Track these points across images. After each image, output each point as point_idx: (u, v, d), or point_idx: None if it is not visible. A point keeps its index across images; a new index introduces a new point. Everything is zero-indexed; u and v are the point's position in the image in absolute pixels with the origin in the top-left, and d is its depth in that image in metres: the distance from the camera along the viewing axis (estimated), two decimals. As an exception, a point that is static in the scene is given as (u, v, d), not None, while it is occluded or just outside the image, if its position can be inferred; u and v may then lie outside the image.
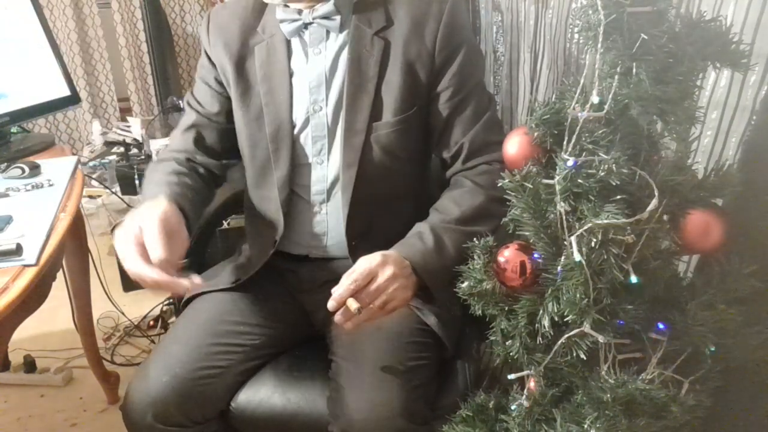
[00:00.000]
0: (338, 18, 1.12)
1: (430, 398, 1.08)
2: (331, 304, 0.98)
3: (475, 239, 0.95)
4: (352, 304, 0.96)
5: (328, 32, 1.14)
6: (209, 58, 1.23)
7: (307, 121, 1.15)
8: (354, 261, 1.03)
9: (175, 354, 1.10)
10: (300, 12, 1.13)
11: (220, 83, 1.22)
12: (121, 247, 0.97)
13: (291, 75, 1.15)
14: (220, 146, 1.25)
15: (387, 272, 1.00)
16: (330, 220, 1.19)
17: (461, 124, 1.14)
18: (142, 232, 0.97)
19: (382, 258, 1.01)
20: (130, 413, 1.09)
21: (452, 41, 1.12)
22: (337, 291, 0.98)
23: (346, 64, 1.12)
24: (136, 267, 0.95)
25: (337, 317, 0.98)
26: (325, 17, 1.12)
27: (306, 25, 1.14)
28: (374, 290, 0.99)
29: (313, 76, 1.14)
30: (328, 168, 1.16)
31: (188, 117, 1.26)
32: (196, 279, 0.96)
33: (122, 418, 1.11)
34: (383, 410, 0.99)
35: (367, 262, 1.00)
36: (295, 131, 1.16)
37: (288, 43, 1.16)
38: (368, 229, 1.18)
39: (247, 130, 1.19)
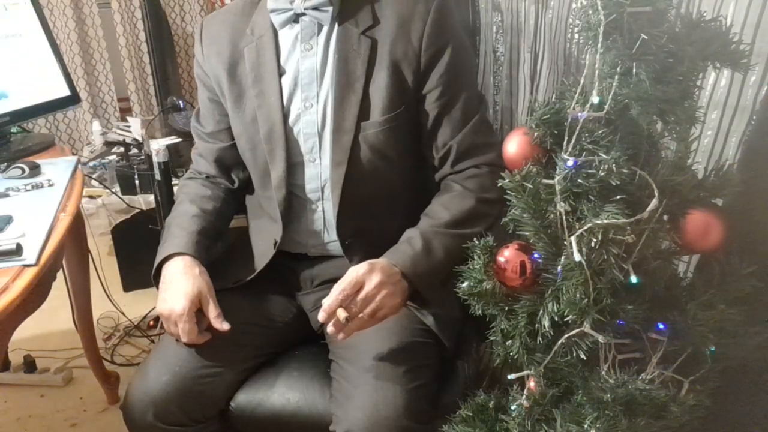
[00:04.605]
0: (330, 9, 1.11)
1: (431, 398, 1.08)
2: (321, 315, 0.99)
3: (467, 241, 0.96)
4: (341, 314, 0.98)
5: (319, 27, 1.14)
6: (204, 72, 1.24)
7: (298, 118, 1.16)
8: (350, 260, 1.03)
9: (176, 353, 1.11)
10: (292, 2, 1.13)
11: (219, 103, 1.24)
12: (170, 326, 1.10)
13: (281, 74, 1.16)
14: (234, 160, 1.27)
15: (374, 280, 1.01)
16: (327, 218, 1.20)
17: (449, 126, 1.14)
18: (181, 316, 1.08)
19: (369, 266, 1.02)
20: (130, 412, 1.09)
21: (438, 41, 1.11)
22: (326, 302, 0.99)
23: (334, 63, 1.13)
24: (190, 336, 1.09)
25: (329, 328, 1.00)
26: (317, 8, 1.11)
27: (297, 18, 1.14)
28: (362, 299, 1.00)
29: (304, 73, 1.14)
30: (320, 166, 1.17)
31: (198, 144, 1.31)
32: (225, 326, 1.09)
33: (123, 417, 1.11)
34: (387, 410, 0.99)
35: (354, 271, 1.02)
36: (289, 129, 1.16)
37: (276, 41, 1.16)
38: (361, 229, 1.18)
39: (246, 133, 1.19)
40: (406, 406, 1.00)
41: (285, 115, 1.15)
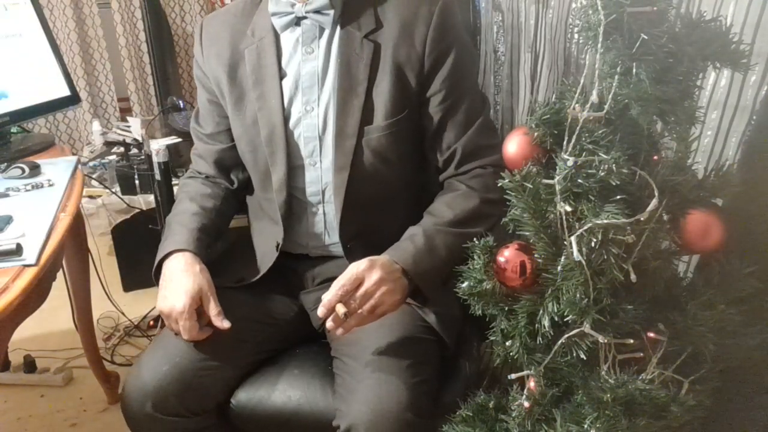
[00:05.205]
0: (332, 13, 1.11)
1: (432, 394, 1.08)
2: (320, 311, 0.99)
3: (468, 241, 0.96)
4: (340, 309, 0.98)
5: (321, 30, 1.14)
6: (204, 73, 1.23)
7: (299, 121, 1.15)
8: (351, 263, 1.03)
9: (176, 344, 1.11)
10: (293, 5, 1.13)
11: (219, 105, 1.24)
12: (171, 323, 1.10)
13: (282, 77, 1.15)
14: (233, 161, 1.27)
15: (374, 276, 1.01)
16: (328, 220, 1.20)
17: (453, 129, 1.14)
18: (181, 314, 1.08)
19: (369, 263, 1.02)
20: (129, 401, 1.09)
21: (442, 44, 1.11)
22: (326, 297, 0.99)
23: (337, 67, 1.12)
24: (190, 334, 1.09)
25: (329, 324, 1.00)
26: (318, 11, 1.11)
27: (299, 21, 1.13)
28: (362, 295, 1.00)
29: (305, 77, 1.14)
30: (321, 169, 1.16)
31: (197, 145, 1.31)
32: (225, 324, 1.08)
33: (121, 406, 1.11)
34: (390, 403, 0.99)
35: (354, 267, 1.02)
36: (290, 132, 1.16)
37: (278, 44, 1.15)
38: (363, 232, 1.18)
39: (246, 135, 1.19)
40: (409, 400, 1.00)
41: (286, 118, 1.15)
